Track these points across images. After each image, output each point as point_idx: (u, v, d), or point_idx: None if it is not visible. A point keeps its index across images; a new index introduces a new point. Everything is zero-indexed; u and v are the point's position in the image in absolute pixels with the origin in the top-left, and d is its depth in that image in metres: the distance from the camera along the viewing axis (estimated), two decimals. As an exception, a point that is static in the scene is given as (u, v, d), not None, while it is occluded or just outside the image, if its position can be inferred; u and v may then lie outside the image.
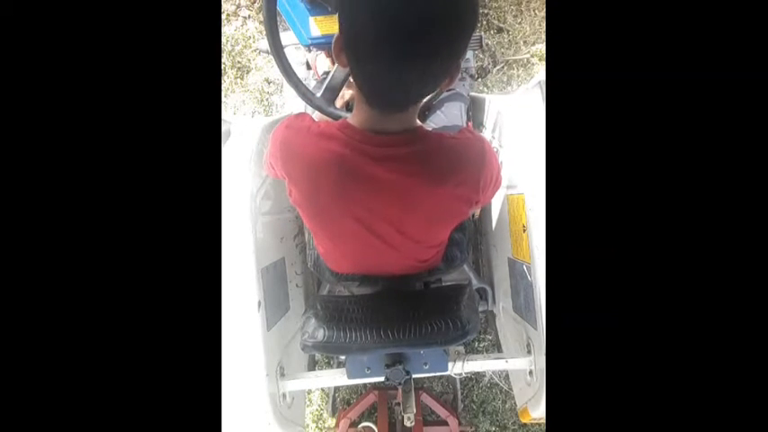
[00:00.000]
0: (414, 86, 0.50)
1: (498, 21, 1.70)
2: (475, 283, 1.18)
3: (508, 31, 1.70)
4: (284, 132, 0.62)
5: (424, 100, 0.83)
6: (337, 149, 0.56)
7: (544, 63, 1.63)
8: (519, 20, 1.70)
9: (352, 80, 0.54)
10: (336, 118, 0.80)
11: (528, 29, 1.69)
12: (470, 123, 1.11)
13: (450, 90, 1.06)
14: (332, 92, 0.80)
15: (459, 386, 1.47)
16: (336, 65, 0.79)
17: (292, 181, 0.62)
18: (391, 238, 0.65)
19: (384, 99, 0.53)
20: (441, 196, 0.60)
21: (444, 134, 0.59)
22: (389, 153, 0.56)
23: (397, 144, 0.56)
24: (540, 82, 0.89)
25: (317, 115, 0.84)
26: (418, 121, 0.59)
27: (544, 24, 1.65)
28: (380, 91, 0.51)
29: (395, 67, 0.46)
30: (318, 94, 0.79)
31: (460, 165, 0.59)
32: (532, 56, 1.68)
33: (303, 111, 1.08)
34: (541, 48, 1.66)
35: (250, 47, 1.72)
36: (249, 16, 1.73)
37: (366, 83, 0.51)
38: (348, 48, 0.49)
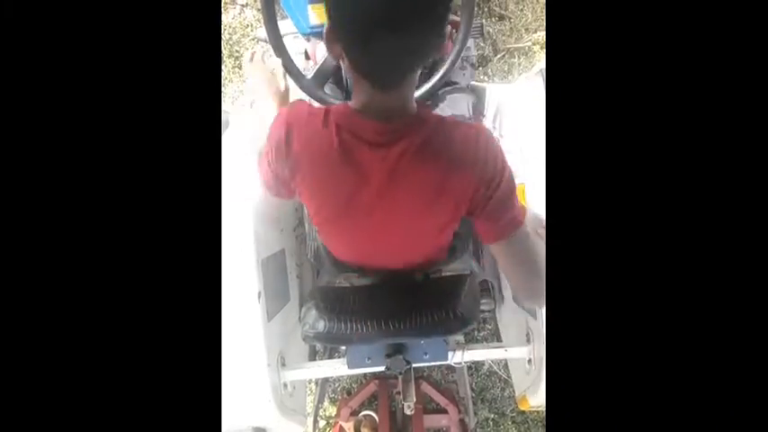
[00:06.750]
0: (404, 59, 0.54)
1: (499, 8, 1.67)
2: (477, 272, 1.17)
3: (509, 19, 1.67)
4: (286, 128, 0.62)
5: (428, 88, 0.84)
6: (338, 135, 0.60)
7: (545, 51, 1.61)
8: (521, 6, 1.68)
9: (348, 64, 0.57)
10: (324, 102, 0.82)
11: (530, 16, 1.67)
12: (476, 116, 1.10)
13: (453, 84, 1.06)
14: (323, 76, 0.81)
15: (466, 376, 1.46)
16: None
17: (299, 174, 0.63)
18: (393, 226, 0.66)
19: (378, 74, 0.56)
20: (437, 182, 0.61)
21: (444, 118, 0.62)
22: (386, 140, 0.59)
23: (395, 132, 0.59)
24: (541, 70, 0.88)
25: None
26: (415, 105, 0.62)
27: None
28: (373, 67, 0.56)
29: (381, 43, 0.51)
30: (309, 77, 0.81)
31: (456, 152, 0.61)
32: (534, 44, 1.66)
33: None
34: (543, 35, 1.64)
35: (248, 35, 1.70)
36: (247, 4, 1.71)
37: (359, 62, 0.56)
38: (339, 33, 0.54)
